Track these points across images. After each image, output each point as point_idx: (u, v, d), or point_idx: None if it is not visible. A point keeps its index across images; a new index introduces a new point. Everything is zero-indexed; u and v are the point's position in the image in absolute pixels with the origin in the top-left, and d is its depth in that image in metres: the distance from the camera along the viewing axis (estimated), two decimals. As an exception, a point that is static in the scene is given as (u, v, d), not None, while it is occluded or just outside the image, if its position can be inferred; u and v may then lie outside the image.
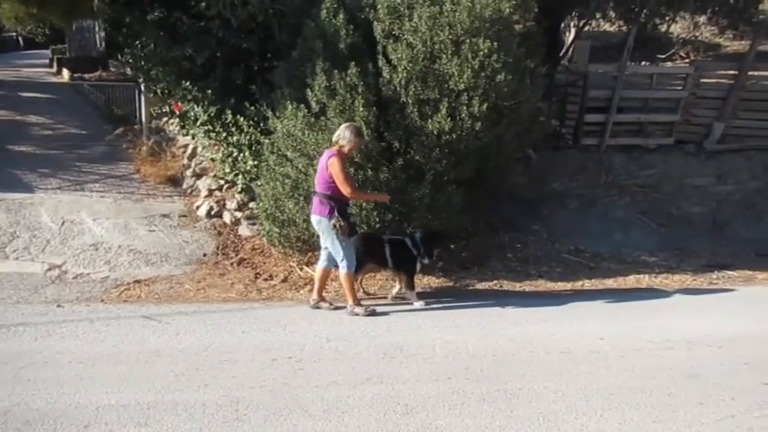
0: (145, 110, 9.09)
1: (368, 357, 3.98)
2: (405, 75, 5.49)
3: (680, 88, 8.44)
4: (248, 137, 6.84)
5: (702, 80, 8.56)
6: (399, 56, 5.50)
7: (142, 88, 8.87)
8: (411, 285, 5.25)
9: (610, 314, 5.07)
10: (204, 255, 6.49)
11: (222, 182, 7.51)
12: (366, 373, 3.73)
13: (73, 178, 8.01)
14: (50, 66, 16.27)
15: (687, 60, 11.99)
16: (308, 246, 5.96)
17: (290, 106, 5.63)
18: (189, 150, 8.34)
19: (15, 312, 4.89)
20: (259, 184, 6.38)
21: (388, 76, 5.57)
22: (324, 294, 5.17)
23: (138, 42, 7.62)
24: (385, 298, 5.43)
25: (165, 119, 9.08)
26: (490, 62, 5.39)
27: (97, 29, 15.11)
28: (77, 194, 7.52)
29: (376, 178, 5.50)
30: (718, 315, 5.05)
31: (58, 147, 9.07)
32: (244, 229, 6.98)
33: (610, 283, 6.16)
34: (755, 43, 8.39)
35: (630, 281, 6.24)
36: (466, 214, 5.95)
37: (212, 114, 7.30)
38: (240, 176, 7.16)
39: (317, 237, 5.06)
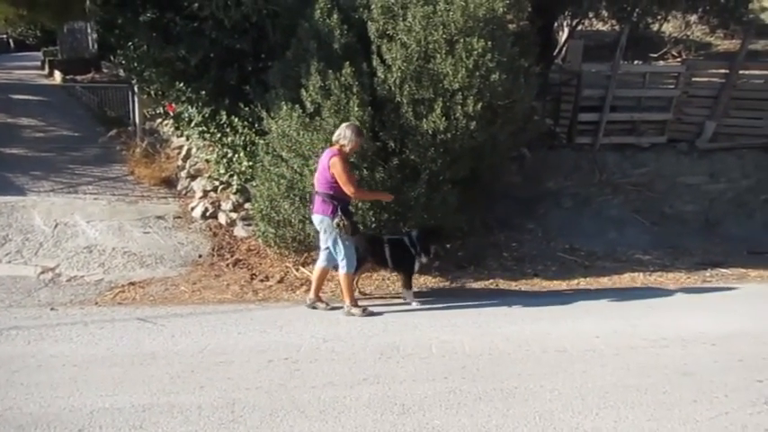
0: (138, 111, 9.03)
1: (364, 357, 3.98)
2: (399, 74, 5.50)
3: (672, 87, 8.50)
4: (243, 137, 6.82)
5: (694, 79, 8.62)
6: (394, 55, 5.51)
7: (135, 90, 8.81)
8: (409, 285, 5.26)
9: (605, 312, 5.09)
10: (199, 256, 6.46)
11: (217, 183, 7.48)
12: (363, 373, 3.73)
13: (66, 181, 7.94)
14: (42, 68, 16.09)
15: (679, 59, 12.09)
16: (304, 246, 5.95)
17: (284, 107, 5.62)
18: (183, 152, 8.30)
19: (8, 316, 4.85)
20: (254, 184, 6.37)
21: (382, 76, 5.58)
22: (320, 295, 5.17)
23: (130, 43, 7.57)
24: (382, 298, 5.42)
25: (159, 120, 9.04)
26: (484, 61, 5.41)
27: (89, 30, 14.99)
28: (70, 197, 7.45)
29: (372, 178, 5.51)
30: (713, 313, 5.08)
31: (51, 149, 8.99)
32: (239, 230, 6.96)
33: (605, 281, 6.19)
34: (746, 42, 8.46)
35: (625, 279, 6.27)
36: (461, 213, 5.97)
37: (206, 115, 7.27)
38: (235, 177, 7.13)
39: (313, 237, 5.05)
